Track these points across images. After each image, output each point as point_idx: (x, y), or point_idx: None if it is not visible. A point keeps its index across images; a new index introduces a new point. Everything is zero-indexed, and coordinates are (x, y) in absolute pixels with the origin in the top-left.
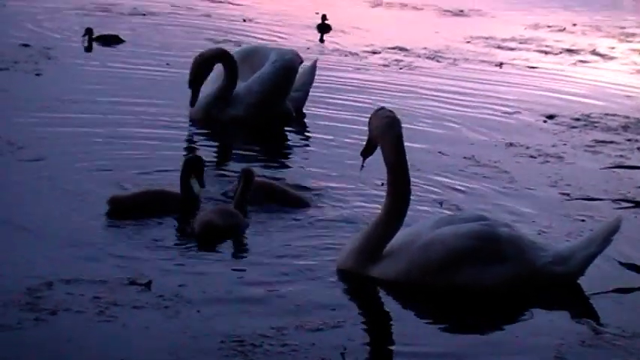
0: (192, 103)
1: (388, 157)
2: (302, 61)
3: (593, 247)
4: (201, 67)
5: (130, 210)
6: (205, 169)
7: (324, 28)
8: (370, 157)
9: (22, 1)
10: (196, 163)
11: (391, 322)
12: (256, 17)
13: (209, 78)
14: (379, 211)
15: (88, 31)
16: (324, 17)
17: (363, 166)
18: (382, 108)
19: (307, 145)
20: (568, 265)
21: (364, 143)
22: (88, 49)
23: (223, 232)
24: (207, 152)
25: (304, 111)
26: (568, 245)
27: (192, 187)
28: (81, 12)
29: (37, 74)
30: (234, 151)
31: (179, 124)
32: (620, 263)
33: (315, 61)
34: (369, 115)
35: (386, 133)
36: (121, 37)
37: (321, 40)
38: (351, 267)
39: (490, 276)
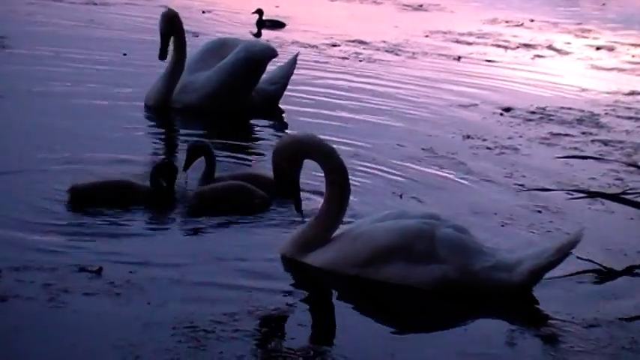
0: (160, 55)
1: (332, 167)
2: (274, 55)
3: (543, 257)
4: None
5: (91, 199)
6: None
7: (262, 24)
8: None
9: None
10: (169, 169)
11: (340, 310)
12: (216, 9)
13: (186, 64)
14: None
15: None
16: (260, 12)
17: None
18: (283, 137)
19: (269, 139)
20: (513, 272)
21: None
22: None
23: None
24: (161, 142)
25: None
26: (522, 253)
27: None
28: (32, 0)
29: None
30: (189, 141)
31: (136, 111)
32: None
33: (296, 55)
34: (274, 150)
35: (319, 149)
36: None
37: (258, 35)
38: (286, 252)
39: (417, 274)
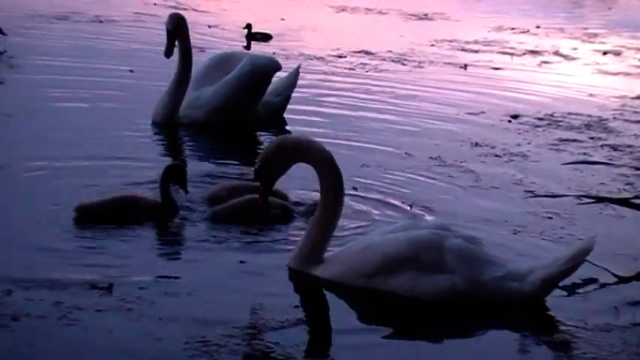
0: (166, 53)
1: (327, 171)
2: (279, 68)
3: (555, 267)
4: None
5: (98, 218)
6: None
7: (252, 37)
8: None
9: None
10: (177, 170)
11: (349, 322)
12: (222, 24)
13: (192, 78)
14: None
15: None
16: (249, 27)
17: None
18: (280, 136)
19: None
20: (524, 282)
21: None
22: None
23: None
24: (168, 157)
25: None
26: (534, 263)
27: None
28: (38, 19)
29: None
30: (197, 155)
31: (143, 128)
32: None
33: (298, 67)
34: (272, 146)
35: (315, 150)
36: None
37: (248, 48)
38: (294, 265)
39: (426, 285)
